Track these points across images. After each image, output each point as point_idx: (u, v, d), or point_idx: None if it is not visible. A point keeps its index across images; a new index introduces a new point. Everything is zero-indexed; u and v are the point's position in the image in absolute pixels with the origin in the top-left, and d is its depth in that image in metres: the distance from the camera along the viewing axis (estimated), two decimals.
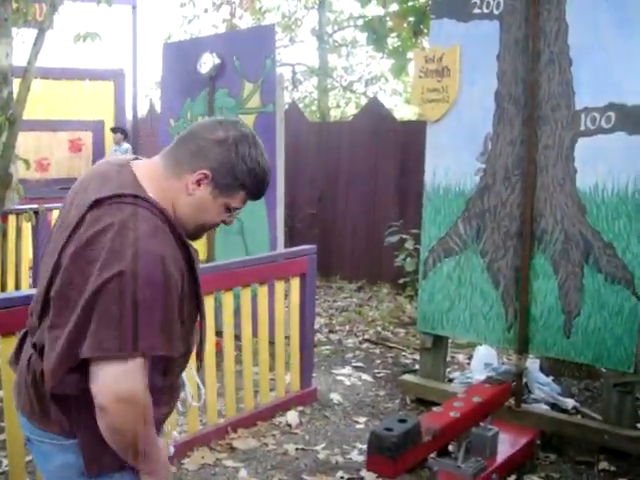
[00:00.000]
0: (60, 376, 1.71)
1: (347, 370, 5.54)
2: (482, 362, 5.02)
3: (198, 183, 1.80)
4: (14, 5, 5.97)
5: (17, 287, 6.46)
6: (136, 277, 1.64)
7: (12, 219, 6.43)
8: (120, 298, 1.63)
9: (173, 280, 1.71)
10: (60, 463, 1.82)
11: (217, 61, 6.04)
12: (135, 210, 1.72)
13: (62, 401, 1.77)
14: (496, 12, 4.33)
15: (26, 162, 5.99)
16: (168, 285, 1.69)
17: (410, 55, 8.22)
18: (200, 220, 1.87)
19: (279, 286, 4.58)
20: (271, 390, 4.63)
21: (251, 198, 1.90)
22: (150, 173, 1.83)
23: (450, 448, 3.34)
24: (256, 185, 1.86)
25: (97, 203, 1.74)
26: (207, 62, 6.05)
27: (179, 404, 2.05)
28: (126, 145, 10.81)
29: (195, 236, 1.91)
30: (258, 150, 1.85)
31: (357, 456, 4.04)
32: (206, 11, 12.53)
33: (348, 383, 5.24)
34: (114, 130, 10.91)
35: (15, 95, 5.59)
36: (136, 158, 1.93)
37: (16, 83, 5.68)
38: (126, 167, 1.84)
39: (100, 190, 1.77)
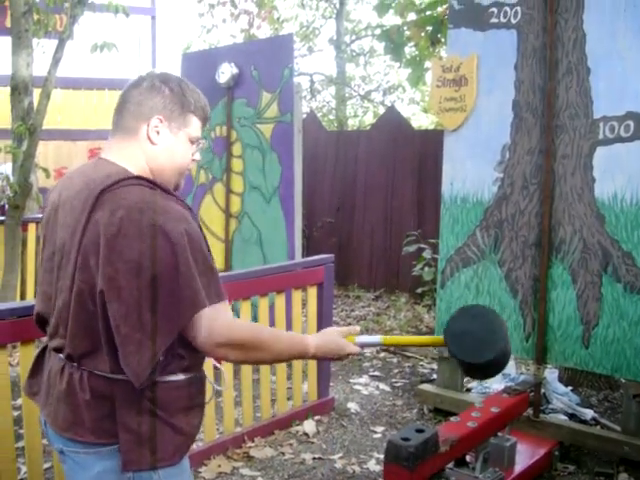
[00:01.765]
0: (151, 367, 1.73)
1: (364, 379, 5.53)
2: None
3: (156, 131, 1.90)
4: (35, 16, 6.03)
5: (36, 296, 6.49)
6: (184, 236, 1.74)
7: (32, 228, 6.48)
8: (184, 259, 1.72)
9: (202, 233, 1.85)
10: (97, 471, 1.83)
11: (235, 71, 6.06)
12: (140, 188, 1.80)
13: (101, 406, 1.79)
14: (513, 21, 4.33)
15: (46, 171, 6.04)
16: (203, 238, 1.83)
17: (428, 64, 8.22)
18: (176, 164, 1.96)
19: (297, 295, 4.59)
20: (288, 399, 4.63)
21: (203, 120, 2.00)
22: (117, 154, 1.91)
23: (468, 458, 3.33)
24: (200, 102, 1.98)
25: (101, 193, 1.78)
26: (225, 72, 6.08)
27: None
28: None
29: (178, 185, 2.00)
30: (178, 77, 1.99)
31: (374, 466, 4.03)
32: (224, 21, 12.57)
33: (365, 392, 5.24)
34: None
35: (35, 105, 5.65)
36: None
37: (36, 93, 5.74)
38: (99, 160, 1.93)
39: (94, 183, 1.81)
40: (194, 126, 1.97)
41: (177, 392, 1.85)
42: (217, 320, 1.78)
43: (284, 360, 2.04)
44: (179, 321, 1.74)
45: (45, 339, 2.00)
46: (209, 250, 1.85)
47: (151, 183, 1.84)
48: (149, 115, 1.90)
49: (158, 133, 1.91)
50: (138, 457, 1.79)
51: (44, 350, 1.99)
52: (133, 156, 1.90)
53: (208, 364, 2.35)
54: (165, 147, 1.92)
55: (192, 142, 1.98)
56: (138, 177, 1.84)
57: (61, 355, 1.86)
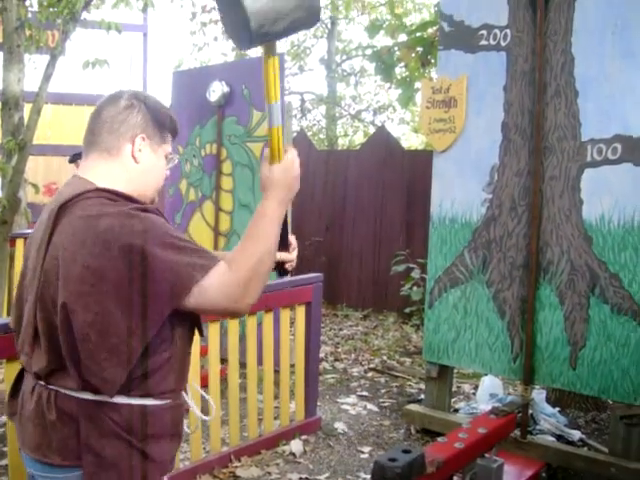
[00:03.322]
0: (127, 372, 1.73)
1: (352, 399, 5.52)
2: (487, 392, 4.99)
3: (139, 149, 1.91)
4: (27, 32, 6.04)
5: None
6: (145, 231, 1.70)
7: (20, 243, 6.45)
8: (145, 257, 1.68)
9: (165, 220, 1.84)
10: None
11: (226, 89, 6.09)
12: (99, 200, 1.78)
13: (67, 426, 1.77)
14: (503, 44, 4.37)
15: (35, 187, 6.03)
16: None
17: (418, 85, 8.27)
18: (156, 181, 1.99)
19: (285, 314, 4.58)
20: (275, 418, 4.61)
21: (174, 136, 2.03)
22: (96, 173, 1.89)
23: (455, 479, 3.31)
24: (171, 120, 2.01)
25: (62, 208, 1.78)
26: (216, 90, 6.11)
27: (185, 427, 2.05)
28: None
29: (153, 200, 2.01)
30: (150, 94, 2.02)
31: None
32: (216, 39, 12.65)
33: (353, 412, 5.22)
34: (73, 159, 9.71)
35: (26, 120, 5.64)
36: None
37: (27, 108, 5.73)
38: (73, 178, 1.93)
39: (60, 199, 1.81)
40: (168, 142, 2.01)
41: (150, 417, 1.81)
42: (217, 284, 1.70)
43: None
44: (166, 308, 1.71)
45: None
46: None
47: (113, 195, 1.81)
48: (133, 134, 1.90)
49: (141, 151, 1.91)
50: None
51: (24, 369, 1.97)
52: (113, 175, 1.89)
53: (196, 395, 2.34)
54: (147, 165, 1.94)
55: (166, 158, 2.01)
56: (98, 189, 1.82)
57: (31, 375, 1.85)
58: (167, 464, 1.90)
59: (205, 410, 3.16)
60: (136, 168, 1.91)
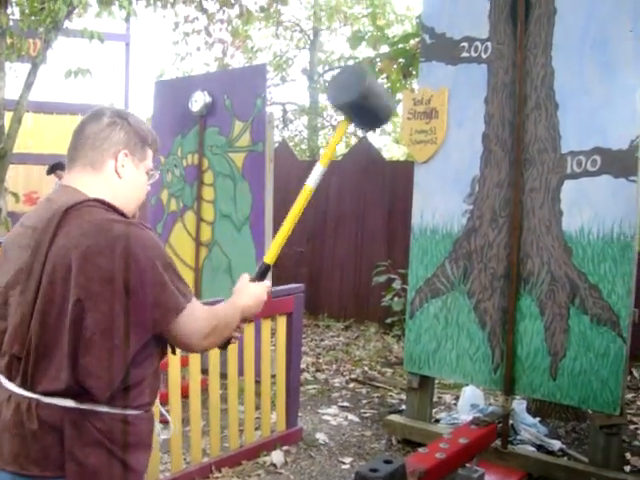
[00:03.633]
0: (122, 376, 1.79)
1: (333, 410, 5.51)
2: (468, 403, 5.00)
3: (122, 165, 1.97)
4: (9, 40, 6.02)
5: None
6: (150, 247, 1.83)
7: None
8: (153, 270, 1.80)
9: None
10: None
11: (208, 99, 6.09)
12: (101, 209, 1.86)
13: (48, 436, 1.76)
14: (484, 56, 4.41)
15: (15, 196, 6.00)
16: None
17: (399, 96, 8.30)
18: (138, 196, 2.05)
19: (266, 324, 4.57)
20: (256, 429, 4.59)
21: (155, 152, 2.09)
22: (82, 186, 1.94)
23: None
24: (153, 135, 2.07)
25: (66, 212, 1.82)
26: (198, 100, 6.10)
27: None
28: None
29: (134, 215, 2.06)
30: (130, 111, 2.08)
31: None
32: (199, 49, 12.60)
33: (334, 423, 5.21)
34: (51, 170, 8.44)
35: (6, 129, 5.62)
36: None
37: (8, 117, 5.71)
38: (63, 187, 1.97)
39: (57, 205, 1.85)
40: (150, 158, 2.07)
41: (129, 427, 1.85)
42: (197, 316, 1.89)
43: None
44: (156, 325, 1.82)
45: None
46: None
47: (109, 207, 1.88)
48: (115, 150, 1.96)
49: (123, 167, 1.98)
50: None
51: None
52: (99, 189, 1.94)
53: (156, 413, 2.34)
54: (129, 180, 2.00)
55: (147, 173, 2.06)
56: (96, 200, 1.88)
57: (8, 384, 1.83)
58: (143, 474, 1.94)
59: (187, 421, 3.14)
60: (119, 183, 1.97)
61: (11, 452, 1.79)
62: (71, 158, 1.98)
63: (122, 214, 1.89)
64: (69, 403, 1.77)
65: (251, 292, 2.15)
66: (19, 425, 1.78)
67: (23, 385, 1.80)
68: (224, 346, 2.18)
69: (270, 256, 2.25)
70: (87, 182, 1.94)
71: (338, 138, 2.36)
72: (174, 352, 2.05)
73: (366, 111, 2.24)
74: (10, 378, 1.83)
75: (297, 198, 2.30)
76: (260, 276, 2.20)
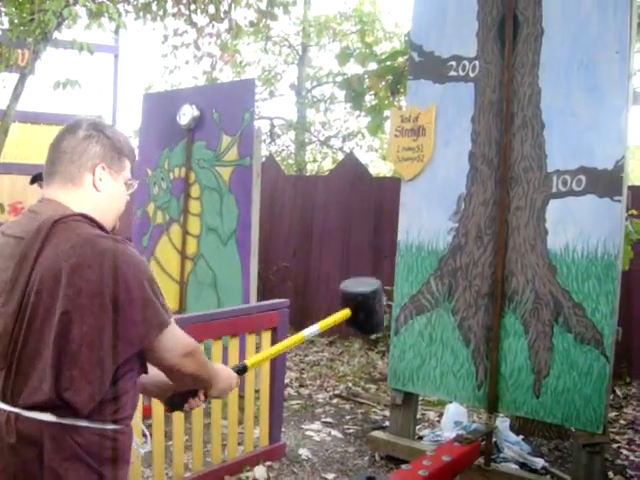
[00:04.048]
0: (104, 389, 1.78)
1: (317, 425, 5.49)
2: (452, 420, 5.00)
3: (100, 178, 1.98)
4: None
5: None
6: (137, 264, 1.84)
7: None
8: (140, 287, 1.81)
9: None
10: None
11: (196, 113, 6.09)
12: (88, 224, 1.87)
13: (27, 450, 1.75)
14: (471, 75, 4.44)
15: (1, 206, 5.97)
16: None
17: (387, 113, 8.35)
18: (117, 208, 2.06)
19: (251, 339, 4.56)
20: (239, 444, 4.57)
21: (132, 162, 2.10)
22: (63, 199, 1.94)
23: None
24: (130, 145, 2.08)
25: (54, 224, 1.82)
26: (186, 113, 6.11)
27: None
28: None
29: (114, 227, 2.07)
30: (106, 123, 2.10)
31: None
32: (187, 63, 12.61)
33: (317, 439, 5.20)
34: (34, 180, 9.85)
35: None
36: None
37: None
38: (47, 200, 1.96)
39: (43, 216, 1.86)
40: (127, 169, 2.08)
41: (108, 442, 1.84)
42: (178, 334, 1.91)
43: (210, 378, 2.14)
44: (142, 340, 1.82)
45: None
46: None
47: (92, 222, 1.89)
48: (93, 164, 1.97)
49: (101, 180, 1.98)
50: None
51: None
52: (80, 203, 1.95)
53: (137, 428, 2.34)
54: (108, 193, 2.01)
55: (126, 184, 2.07)
56: (81, 214, 1.89)
57: None
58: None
59: (170, 435, 3.10)
60: (98, 196, 1.98)
61: None
62: (49, 172, 1.99)
63: (103, 229, 1.90)
64: (49, 417, 1.76)
65: (227, 371, 2.21)
66: None
67: (3, 398, 1.79)
68: (172, 409, 2.22)
69: (251, 362, 2.39)
70: (67, 196, 1.94)
71: (333, 320, 2.53)
72: (146, 372, 2.03)
73: (368, 309, 2.53)
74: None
75: (289, 338, 2.49)
76: (237, 371, 2.29)
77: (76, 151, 1.95)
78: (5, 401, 1.78)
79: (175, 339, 1.89)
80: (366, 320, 2.55)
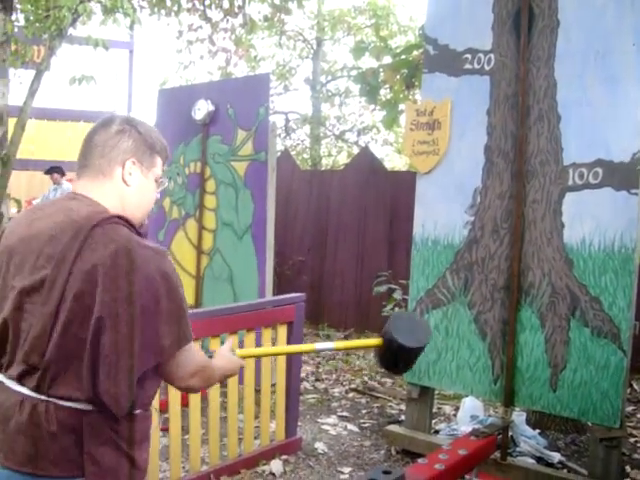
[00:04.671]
0: (133, 392, 1.82)
1: (333, 419, 5.50)
2: (468, 414, 4.99)
3: (130, 172, 1.98)
4: (13, 47, 6.04)
5: None
6: (172, 275, 1.87)
7: None
8: (176, 300, 1.86)
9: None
10: None
11: (211, 108, 6.10)
12: (125, 228, 1.89)
13: (67, 437, 1.79)
14: (487, 68, 4.42)
15: (17, 202, 6.01)
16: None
17: (402, 107, 8.33)
18: (146, 204, 2.07)
19: (266, 333, 4.56)
20: (256, 438, 4.59)
21: (164, 160, 2.10)
22: (94, 193, 1.96)
23: None
24: (163, 143, 2.09)
25: (93, 229, 1.83)
26: (202, 109, 6.12)
27: None
28: (67, 184, 9.93)
29: (142, 224, 2.07)
30: (140, 119, 2.09)
31: None
32: (202, 58, 12.63)
33: (333, 433, 5.20)
34: (49, 171, 9.99)
35: (10, 135, 5.63)
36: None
37: (11, 123, 5.72)
38: (78, 195, 1.97)
39: (79, 217, 1.86)
40: (159, 166, 2.07)
41: (137, 424, 1.90)
42: (194, 351, 1.95)
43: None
44: (164, 352, 1.85)
45: None
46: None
47: (128, 223, 1.91)
48: (123, 158, 1.97)
49: (131, 175, 1.98)
50: None
51: None
52: (109, 197, 1.96)
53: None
54: (137, 188, 2.01)
55: (156, 181, 2.07)
56: (119, 217, 1.91)
57: (19, 387, 1.83)
58: (146, 470, 1.97)
59: (186, 429, 3.12)
60: (127, 191, 1.98)
61: (25, 453, 1.80)
62: (81, 165, 2.00)
63: (137, 230, 1.93)
64: (87, 407, 1.80)
65: (229, 364, 2.23)
66: (36, 427, 1.79)
67: (37, 390, 1.81)
68: None
69: (243, 353, 2.46)
70: (98, 190, 1.95)
71: (362, 344, 2.62)
72: None
73: (405, 360, 2.51)
74: (22, 383, 1.84)
75: (299, 345, 2.55)
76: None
77: (107, 145, 1.96)
78: (40, 392, 1.81)
79: (191, 356, 1.93)
80: (395, 364, 2.53)
